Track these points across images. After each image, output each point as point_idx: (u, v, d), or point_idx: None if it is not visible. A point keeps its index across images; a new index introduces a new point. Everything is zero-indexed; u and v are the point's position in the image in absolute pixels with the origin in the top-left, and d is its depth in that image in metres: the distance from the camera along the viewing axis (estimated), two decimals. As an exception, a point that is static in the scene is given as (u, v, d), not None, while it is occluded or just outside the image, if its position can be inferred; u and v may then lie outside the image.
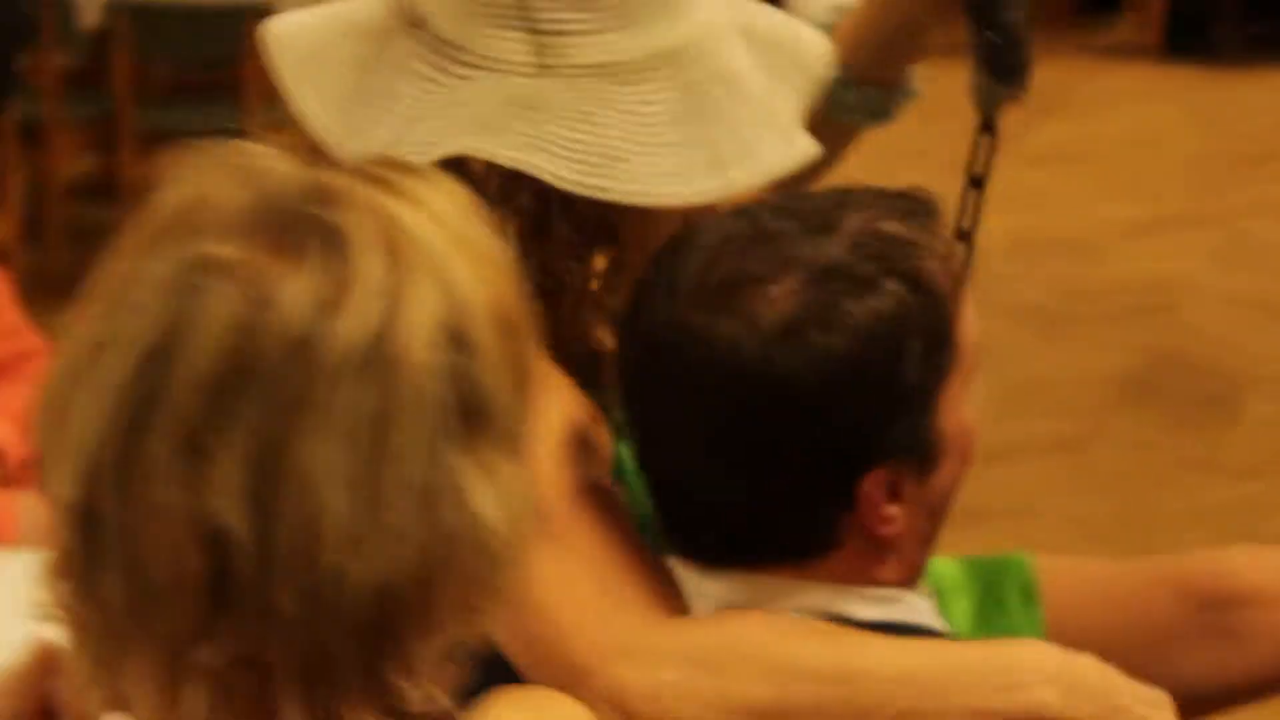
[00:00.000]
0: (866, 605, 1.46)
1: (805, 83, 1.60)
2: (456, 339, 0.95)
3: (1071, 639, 1.77)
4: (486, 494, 0.96)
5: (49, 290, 5.19)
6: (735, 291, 1.36)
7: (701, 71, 1.49)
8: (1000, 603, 2.06)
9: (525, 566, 1.06)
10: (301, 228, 0.95)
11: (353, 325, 0.92)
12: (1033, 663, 1.44)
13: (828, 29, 1.90)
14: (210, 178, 0.98)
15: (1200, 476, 4.82)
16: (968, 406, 1.51)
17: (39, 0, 5.32)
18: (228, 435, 0.91)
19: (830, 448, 1.40)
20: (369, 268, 0.93)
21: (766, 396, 1.37)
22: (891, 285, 1.40)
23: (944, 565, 2.15)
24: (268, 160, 1.00)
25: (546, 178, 1.42)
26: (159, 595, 0.93)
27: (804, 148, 1.53)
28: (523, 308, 1.03)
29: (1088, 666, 1.45)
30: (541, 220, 1.46)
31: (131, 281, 0.96)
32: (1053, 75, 10.58)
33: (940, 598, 1.99)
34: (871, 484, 1.41)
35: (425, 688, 0.99)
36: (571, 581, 1.44)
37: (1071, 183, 8.38)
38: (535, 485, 1.04)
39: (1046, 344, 6.31)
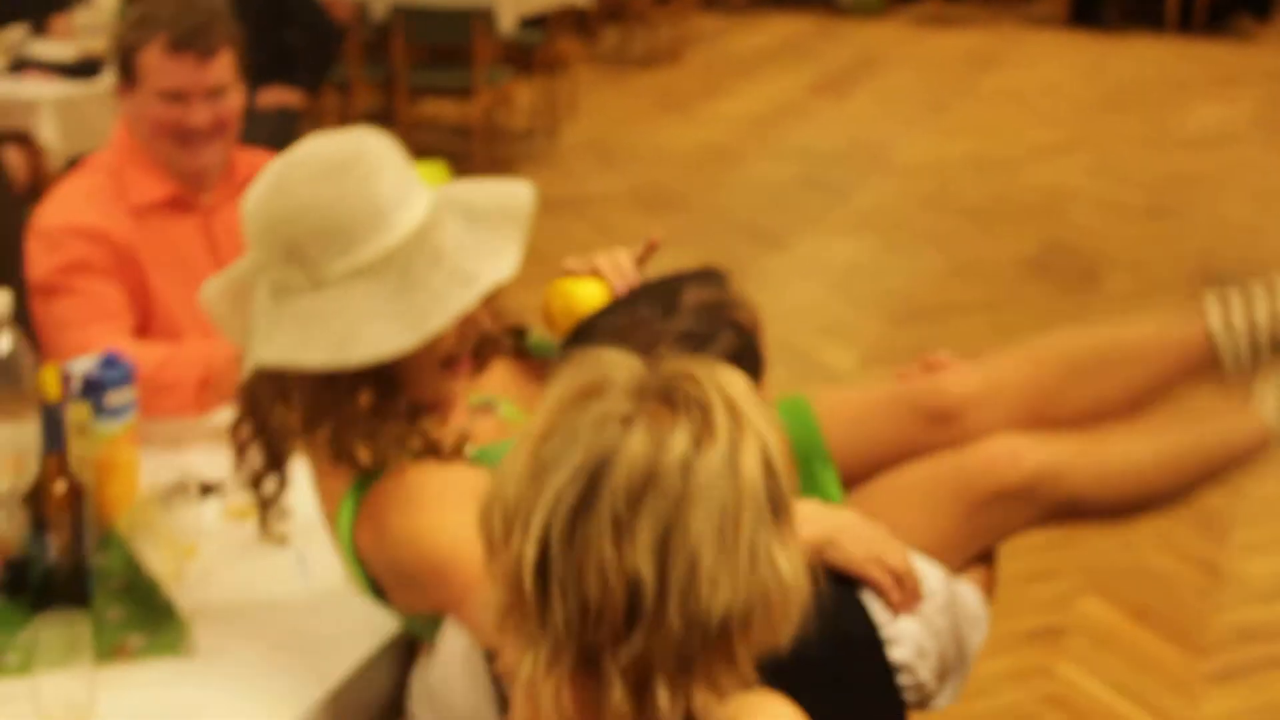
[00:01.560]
0: None
1: (513, 223, 1.89)
2: (768, 464, 1.31)
3: (845, 454, 2.21)
4: (784, 559, 1.31)
5: None
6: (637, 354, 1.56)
7: (410, 257, 1.80)
8: (811, 477, 2.22)
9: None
10: (676, 396, 1.30)
11: (714, 456, 1.28)
12: (813, 514, 1.78)
13: None
14: (606, 364, 1.34)
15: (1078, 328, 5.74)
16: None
17: (348, 7, 7.32)
18: (642, 520, 1.25)
19: None
20: (720, 421, 1.30)
21: None
22: (726, 334, 1.77)
23: None
24: (629, 359, 1.35)
25: (311, 365, 1.78)
26: (593, 617, 1.26)
27: (484, 281, 1.82)
28: (784, 446, 1.38)
29: (853, 519, 1.82)
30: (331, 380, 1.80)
31: (563, 425, 1.30)
32: (995, 39, 12.55)
33: None
34: None
35: (736, 680, 1.33)
36: None
37: (1006, 116, 9.67)
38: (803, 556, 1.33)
39: (982, 233, 7.26)
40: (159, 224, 2.82)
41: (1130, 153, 8.79)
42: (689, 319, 1.75)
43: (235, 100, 2.84)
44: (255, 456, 1.95)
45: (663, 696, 1.28)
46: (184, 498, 2.33)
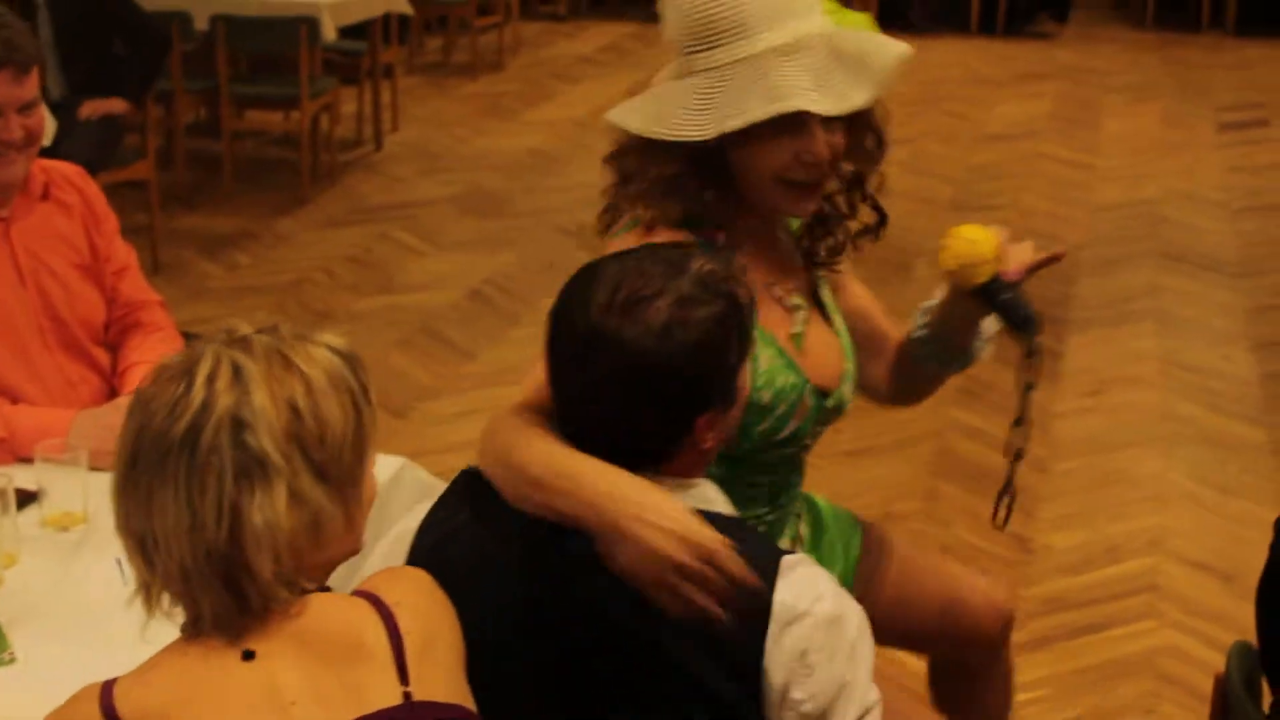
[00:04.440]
0: (681, 493, 1.86)
1: (866, 72, 2.14)
2: (238, 423, 1.59)
3: (868, 594, 2.41)
4: (257, 513, 1.59)
5: (175, 199, 7.51)
6: (633, 307, 1.79)
7: (742, 69, 2.12)
8: (832, 547, 2.50)
9: None
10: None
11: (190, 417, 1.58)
12: (667, 511, 1.79)
13: (923, 314, 2.43)
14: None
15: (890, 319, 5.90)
16: (746, 373, 1.92)
17: (171, 17, 7.29)
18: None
19: (687, 399, 1.84)
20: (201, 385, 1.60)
21: (654, 371, 1.79)
22: (720, 302, 1.83)
23: (827, 508, 2.62)
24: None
25: (628, 127, 2.20)
26: None
27: (790, 104, 2.08)
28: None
29: (708, 532, 1.78)
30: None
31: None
32: None
33: (819, 525, 2.54)
34: (703, 420, 1.85)
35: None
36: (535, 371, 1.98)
37: None
38: None
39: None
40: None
41: (939, 148, 9.09)
42: (690, 283, 1.82)
43: (41, 114, 2.97)
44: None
45: None
46: (3, 506, 2.37)
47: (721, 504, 1.92)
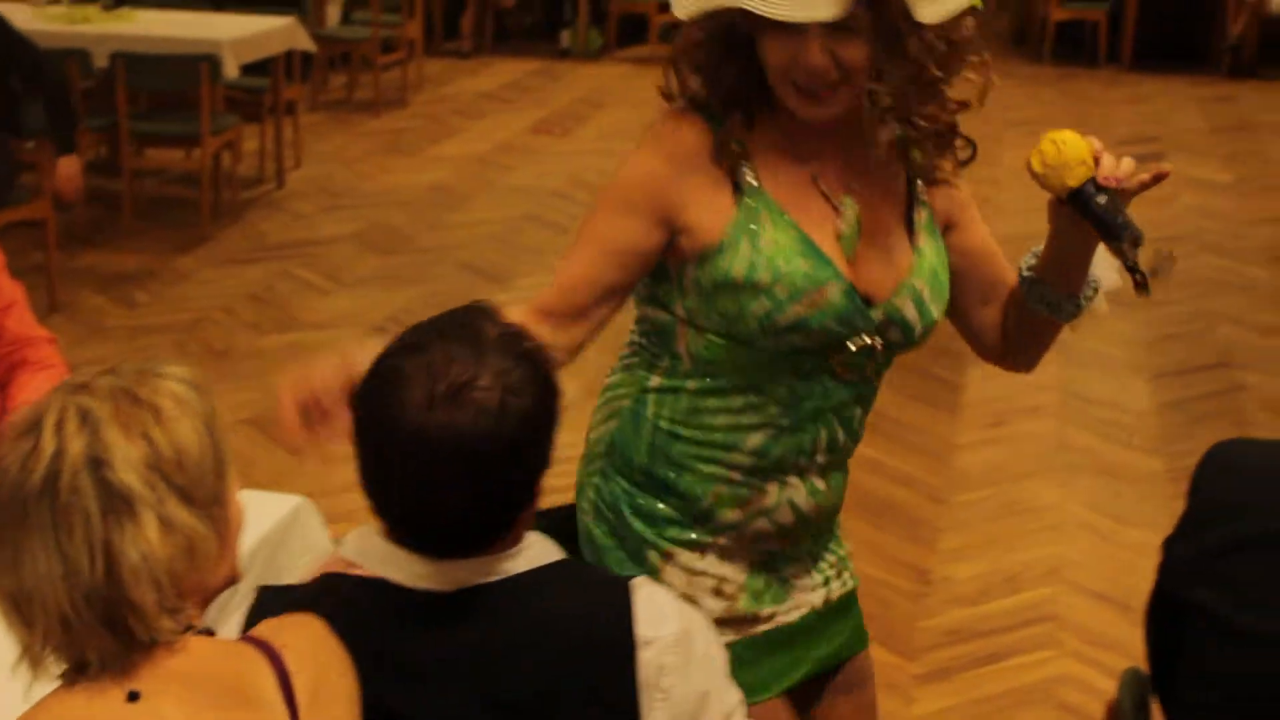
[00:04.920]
0: (522, 559, 1.87)
1: None
2: (94, 461, 1.57)
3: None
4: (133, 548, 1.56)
5: (74, 238, 7.44)
6: (458, 395, 1.75)
7: None
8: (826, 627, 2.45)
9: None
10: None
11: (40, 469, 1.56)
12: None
13: (1032, 255, 2.31)
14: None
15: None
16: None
17: (70, 55, 7.34)
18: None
19: (537, 463, 1.84)
20: (48, 435, 1.58)
21: (503, 449, 1.77)
22: (529, 362, 1.81)
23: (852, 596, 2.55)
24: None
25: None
26: None
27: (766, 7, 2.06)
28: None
29: None
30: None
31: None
32: None
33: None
34: (543, 481, 1.85)
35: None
36: (566, 255, 2.20)
37: None
38: None
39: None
40: None
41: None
42: (497, 355, 1.80)
43: None
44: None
45: None
46: None
47: (554, 551, 1.91)
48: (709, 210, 2.22)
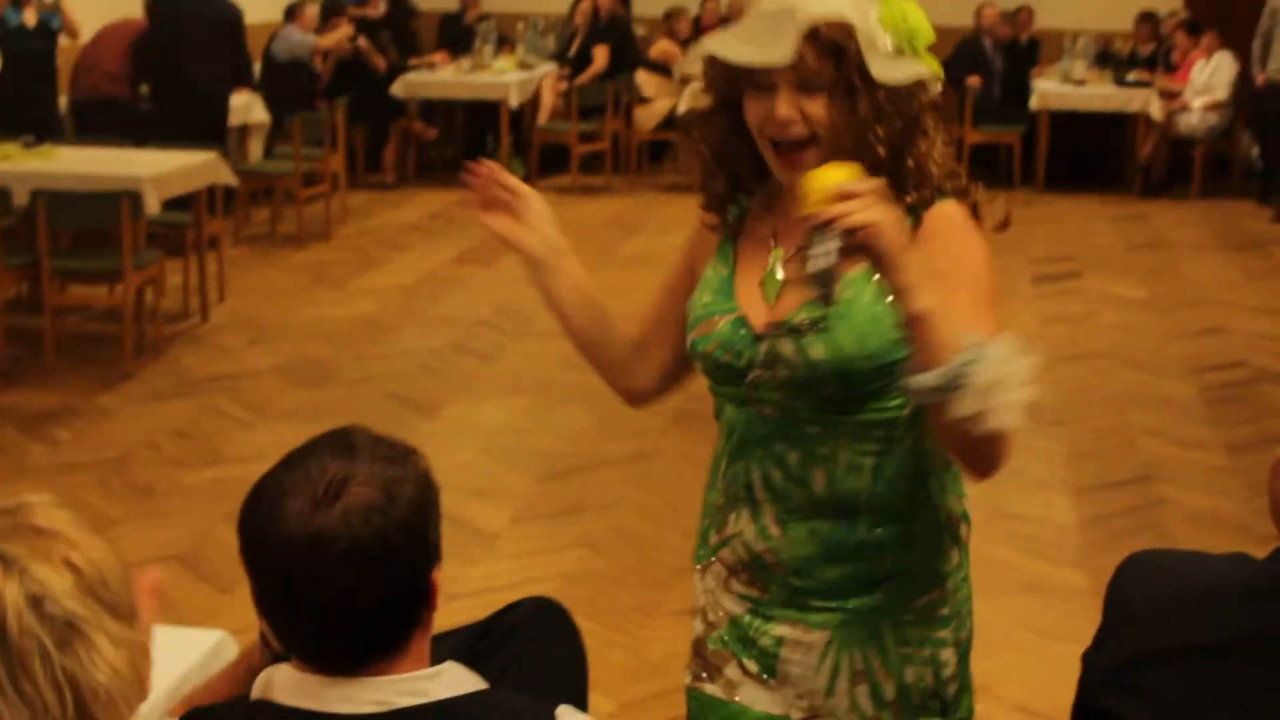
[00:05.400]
0: (442, 682, 1.84)
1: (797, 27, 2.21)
2: (34, 599, 1.54)
3: None
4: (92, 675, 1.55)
5: None
6: (338, 498, 1.75)
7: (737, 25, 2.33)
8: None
9: None
10: None
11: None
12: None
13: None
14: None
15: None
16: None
17: None
18: None
19: (425, 558, 1.83)
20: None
21: (392, 542, 1.77)
22: (403, 456, 1.84)
23: None
24: None
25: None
26: None
27: (721, 53, 2.30)
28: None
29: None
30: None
31: None
32: (637, 205, 12.77)
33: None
34: (435, 575, 1.85)
35: None
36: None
37: (643, 278, 9.34)
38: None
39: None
40: None
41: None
42: (368, 456, 1.81)
43: None
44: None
45: None
46: None
47: (473, 681, 1.89)
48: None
